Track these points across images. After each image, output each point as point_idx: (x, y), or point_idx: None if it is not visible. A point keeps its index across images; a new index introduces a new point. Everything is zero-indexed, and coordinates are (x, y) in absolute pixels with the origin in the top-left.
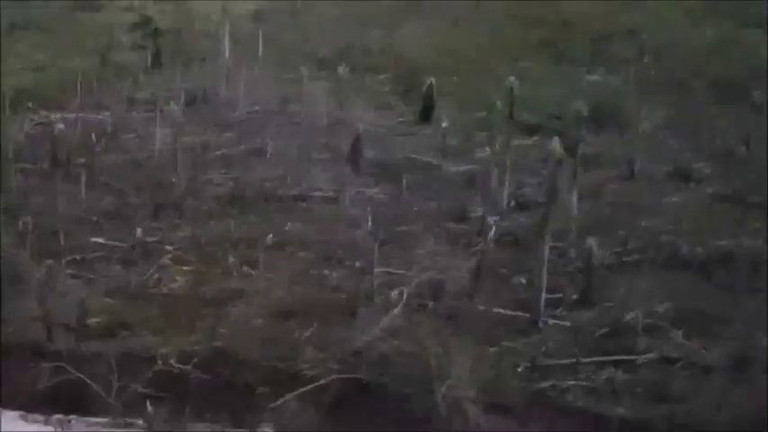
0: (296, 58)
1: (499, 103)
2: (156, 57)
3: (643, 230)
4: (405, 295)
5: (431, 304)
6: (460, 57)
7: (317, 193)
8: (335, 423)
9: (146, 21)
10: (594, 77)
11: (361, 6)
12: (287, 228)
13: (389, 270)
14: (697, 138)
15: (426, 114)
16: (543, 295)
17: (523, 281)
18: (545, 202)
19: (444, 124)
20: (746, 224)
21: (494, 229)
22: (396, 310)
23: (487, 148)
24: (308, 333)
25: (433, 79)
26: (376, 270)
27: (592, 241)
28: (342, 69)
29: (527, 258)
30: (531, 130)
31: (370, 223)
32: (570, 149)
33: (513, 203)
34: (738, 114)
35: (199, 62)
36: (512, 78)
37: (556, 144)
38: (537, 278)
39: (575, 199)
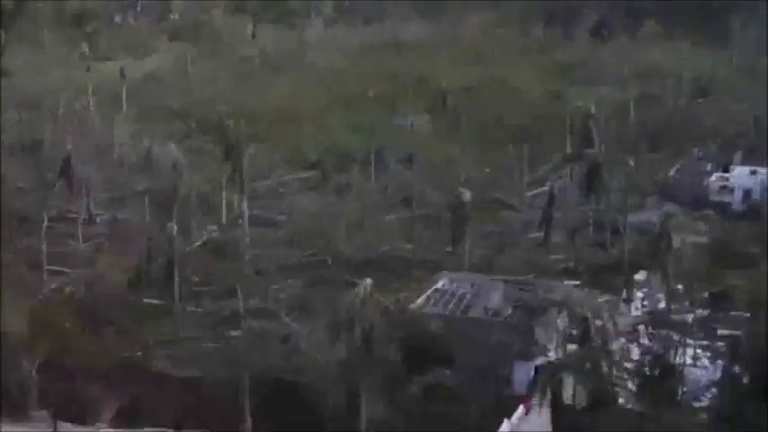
0: (149, 111)
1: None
2: None
3: (328, 240)
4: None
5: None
6: (299, 109)
7: (73, 215)
8: None
9: None
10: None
11: (242, 66)
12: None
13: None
14: (445, 173)
15: (227, 154)
16: (178, 288)
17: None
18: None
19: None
20: (420, 235)
21: (204, 238)
22: (38, 299)
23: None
24: None
25: (232, 122)
26: (67, 270)
27: (174, 230)
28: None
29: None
30: (312, 165)
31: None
32: (235, 165)
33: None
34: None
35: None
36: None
37: (172, 149)
38: (181, 273)
39: (245, 205)
